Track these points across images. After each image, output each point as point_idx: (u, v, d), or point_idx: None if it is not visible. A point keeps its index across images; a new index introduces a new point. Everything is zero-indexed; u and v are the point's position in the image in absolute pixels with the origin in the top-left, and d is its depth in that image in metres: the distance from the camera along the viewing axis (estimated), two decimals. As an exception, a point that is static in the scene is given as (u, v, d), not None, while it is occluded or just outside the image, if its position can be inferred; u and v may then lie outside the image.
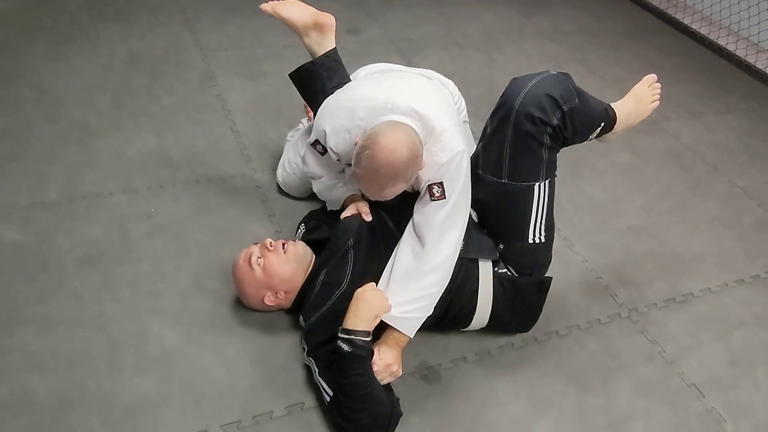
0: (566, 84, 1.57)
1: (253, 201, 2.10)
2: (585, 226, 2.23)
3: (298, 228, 1.87)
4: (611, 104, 1.74)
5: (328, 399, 1.48)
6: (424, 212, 1.59)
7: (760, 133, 2.93)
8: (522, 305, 1.72)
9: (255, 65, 2.79)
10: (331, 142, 1.65)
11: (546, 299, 1.75)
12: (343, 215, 1.73)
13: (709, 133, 2.88)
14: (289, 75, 1.94)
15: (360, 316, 1.44)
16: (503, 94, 1.60)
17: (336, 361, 1.46)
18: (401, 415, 1.48)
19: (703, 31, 3.75)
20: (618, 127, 1.76)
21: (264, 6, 1.87)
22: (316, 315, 1.58)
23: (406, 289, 1.55)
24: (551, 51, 3.36)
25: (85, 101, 2.38)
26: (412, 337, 1.57)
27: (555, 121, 1.53)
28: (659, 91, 1.85)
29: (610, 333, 1.86)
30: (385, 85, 1.70)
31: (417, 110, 1.56)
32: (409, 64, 2.97)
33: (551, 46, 3.41)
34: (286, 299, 1.66)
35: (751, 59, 3.49)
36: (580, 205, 2.31)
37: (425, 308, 1.56)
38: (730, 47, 3.60)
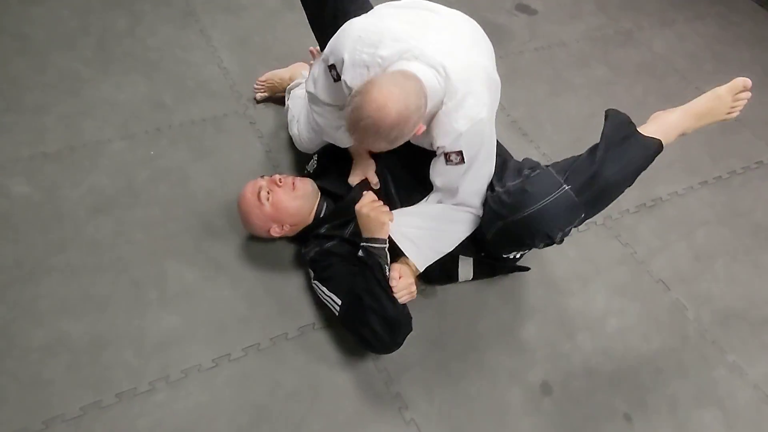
0: (574, 213, 1.47)
1: (249, 138, 2.17)
2: (563, 142, 2.35)
3: (311, 159, 1.94)
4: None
5: (337, 310, 1.60)
6: (444, 174, 1.57)
7: (728, 39, 3.02)
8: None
9: (234, -2, 2.76)
10: (348, 75, 1.49)
11: None
12: (351, 179, 1.78)
13: (679, 41, 2.96)
14: None
15: (367, 228, 1.56)
16: (512, 195, 1.51)
17: (334, 276, 1.61)
18: (411, 329, 1.58)
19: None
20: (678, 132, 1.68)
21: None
22: (315, 250, 1.72)
23: (424, 221, 1.61)
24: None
25: (69, 47, 2.37)
26: (420, 270, 1.63)
27: (557, 239, 1.52)
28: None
29: (587, 240, 2.04)
30: (420, 24, 1.49)
31: (445, 66, 1.41)
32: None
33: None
34: (292, 231, 1.77)
35: (722, -41, 3.50)
36: (558, 123, 2.42)
37: (439, 241, 1.62)
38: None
